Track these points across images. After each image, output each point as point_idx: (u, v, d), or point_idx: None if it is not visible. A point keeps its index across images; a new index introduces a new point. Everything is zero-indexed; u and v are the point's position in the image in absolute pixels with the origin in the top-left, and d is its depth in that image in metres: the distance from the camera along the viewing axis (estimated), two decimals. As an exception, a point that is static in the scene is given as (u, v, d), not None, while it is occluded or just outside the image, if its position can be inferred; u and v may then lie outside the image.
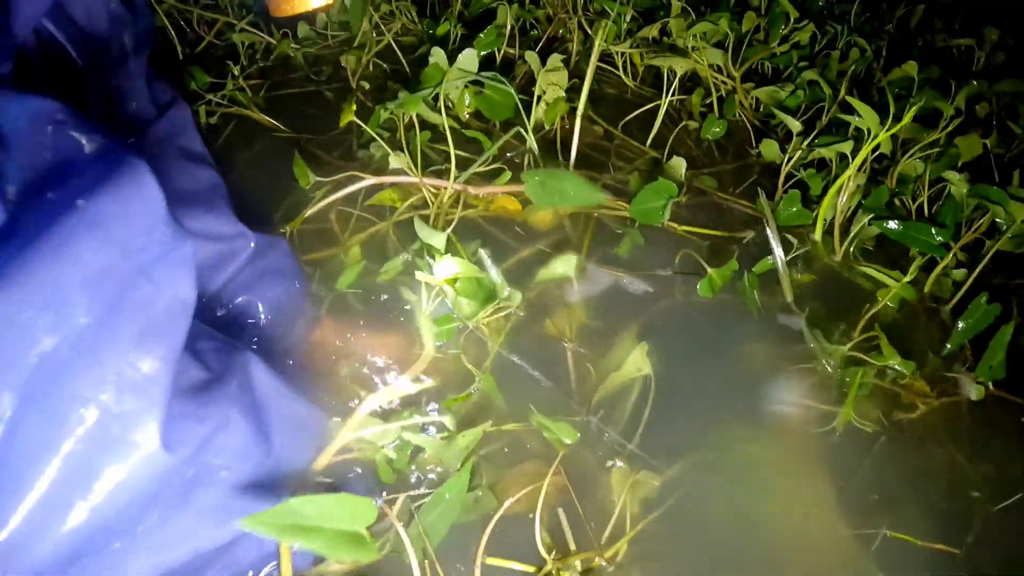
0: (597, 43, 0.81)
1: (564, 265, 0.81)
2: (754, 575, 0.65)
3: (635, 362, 0.72)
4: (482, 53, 1.09)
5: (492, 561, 0.59)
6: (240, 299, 0.70)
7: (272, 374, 0.51)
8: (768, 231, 0.85)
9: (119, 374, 0.35)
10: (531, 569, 0.59)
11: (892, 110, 0.84)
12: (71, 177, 0.34)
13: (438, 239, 0.73)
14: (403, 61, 1.21)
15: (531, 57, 0.98)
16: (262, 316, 0.71)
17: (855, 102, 0.82)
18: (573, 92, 1.13)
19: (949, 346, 0.86)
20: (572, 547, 0.62)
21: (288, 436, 0.50)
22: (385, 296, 0.81)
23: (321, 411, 0.58)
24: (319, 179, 0.94)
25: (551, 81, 0.94)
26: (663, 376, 0.75)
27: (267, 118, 1.11)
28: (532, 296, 0.83)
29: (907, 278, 0.83)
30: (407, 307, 0.79)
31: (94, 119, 0.38)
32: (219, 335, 0.49)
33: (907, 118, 0.81)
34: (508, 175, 0.93)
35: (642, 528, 0.65)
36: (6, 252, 0.30)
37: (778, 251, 0.85)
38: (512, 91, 0.91)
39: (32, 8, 0.43)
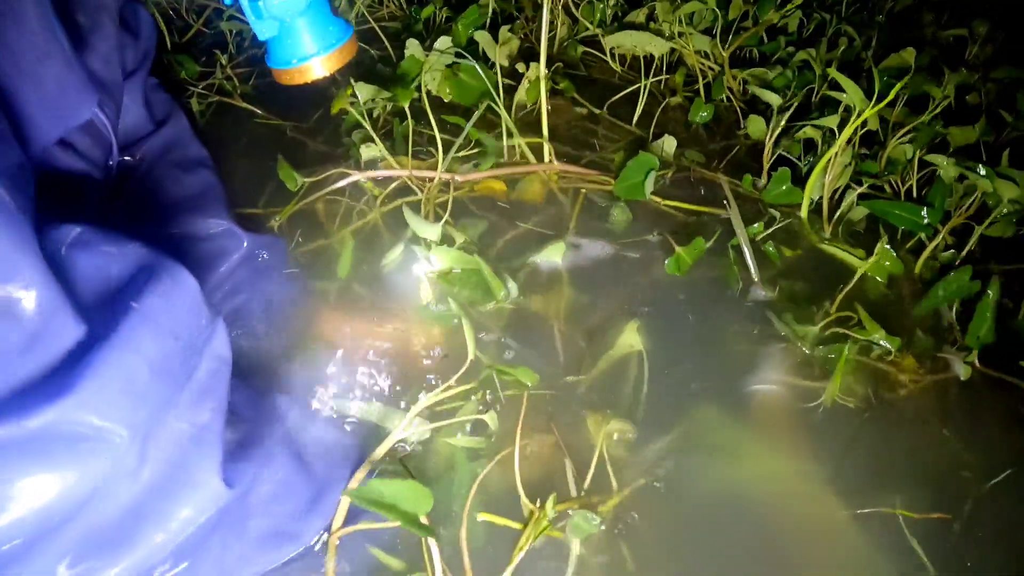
0: (546, 8, 0.81)
1: (553, 252, 0.82)
2: (743, 546, 0.65)
3: (627, 340, 0.72)
4: (468, 33, 1.09)
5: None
6: (238, 298, 0.72)
7: (300, 408, 0.58)
8: (730, 212, 0.85)
9: (181, 432, 0.41)
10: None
11: (878, 87, 0.83)
12: (119, 286, 0.40)
13: (432, 231, 0.75)
14: (389, 47, 1.21)
15: (481, 36, 0.98)
16: (260, 314, 0.73)
17: (840, 77, 0.82)
18: (558, 76, 1.13)
19: (922, 306, 0.86)
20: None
21: (323, 460, 0.55)
22: (381, 285, 0.81)
23: (347, 431, 0.61)
24: (306, 170, 0.94)
25: (506, 54, 0.93)
26: (650, 352, 0.75)
27: (254, 108, 1.11)
28: (525, 275, 0.83)
29: (873, 258, 0.83)
30: (406, 295, 0.79)
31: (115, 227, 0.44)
32: (247, 383, 0.54)
33: (892, 93, 0.80)
34: (492, 160, 0.93)
35: (629, 495, 0.64)
36: (88, 355, 0.36)
37: (742, 234, 0.85)
38: (481, 71, 0.91)
39: (46, 135, 0.48)
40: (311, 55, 0.59)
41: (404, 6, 1.35)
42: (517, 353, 0.75)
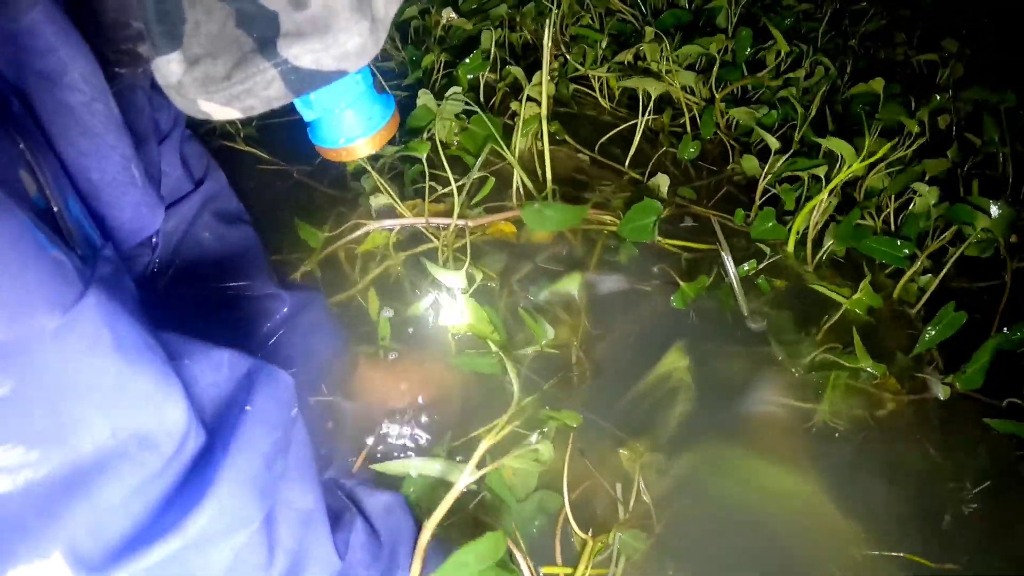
0: (546, 57, 0.89)
1: (570, 283, 0.91)
2: (748, 558, 0.74)
3: (671, 362, 0.84)
4: (468, 78, 1.17)
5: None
6: (279, 357, 0.75)
7: (350, 480, 0.63)
8: (722, 253, 0.95)
9: (294, 519, 0.46)
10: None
11: (868, 142, 0.94)
12: (229, 391, 0.45)
13: (456, 279, 0.79)
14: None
15: (516, 71, 1.06)
16: (301, 372, 0.76)
17: (833, 142, 0.92)
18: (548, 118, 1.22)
19: (918, 348, 0.95)
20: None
21: (383, 523, 0.61)
22: (414, 336, 0.87)
23: (395, 492, 0.66)
24: (318, 216, 1.00)
25: (533, 96, 1.02)
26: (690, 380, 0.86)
27: (258, 151, 1.16)
28: (543, 306, 0.92)
29: (857, 294, 0.93)
30: (438, 345, 0.86)
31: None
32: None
33: (882, 151, 0.91)
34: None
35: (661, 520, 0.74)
36: (214, 459, 0.40)
37: (732, 270, 0.95)
38: (489, 122, 0.99)
39: (122, 249, 0.52)
40: (357, 136, 0.59)
41: (398, 45, 1.43)
42: (548, 390, 0.83)
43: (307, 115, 0.59)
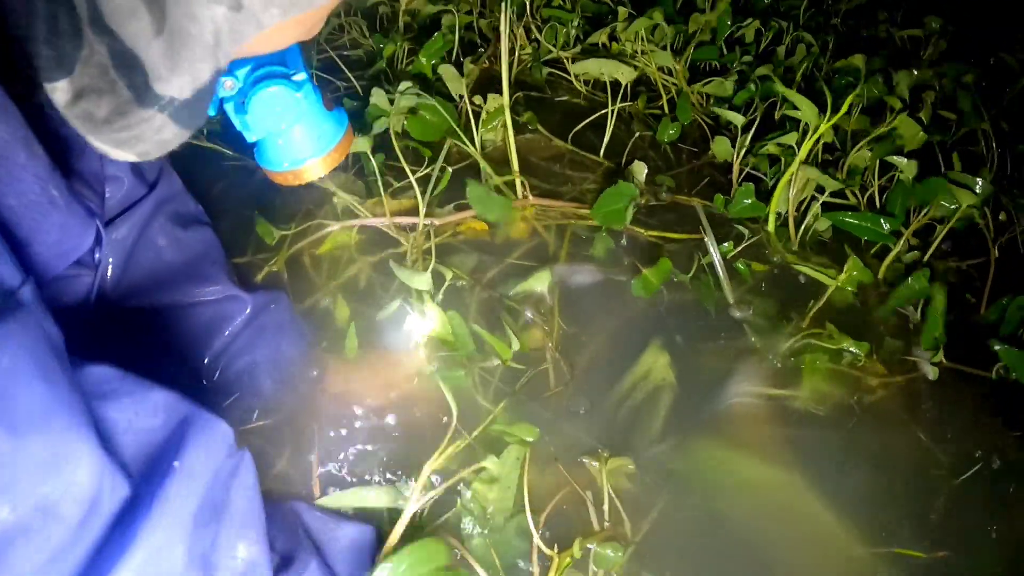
0: (504, 43, 0.85)
1: (539, 282, 0.87)
2: (734, 561, 0.71)
3: (648, 363, 0.80)
4: (432, 64, 1.14)
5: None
6: (242, 360, 0.74)
7: (314, 512, 0.60)
8: (706, 238, 0.91)
9: (234, 569, 0.44)
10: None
11: (830, 102, 0.90)
12: (158, 441, 0.42)
13: (422, 281, 0.76)
14: (353, 80, 1.25)
15: (444, 70, 1.00)
16: (265, 375, 0.75)
17: (793, 95, 0.88)
18: (520, 107, 1.18)
19: (882, 310, 0.93)
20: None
21: (344, 559, 0.59)
22: (379, 347, 0.83)
23: (363, 524, 0.64)
24: (284, 214, 0.96)
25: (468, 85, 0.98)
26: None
27: (222, 147, 1.12)
28: (516, 311, 0.88)
29: (843, 275, 0.90)
30: (404, 356, 0.82)
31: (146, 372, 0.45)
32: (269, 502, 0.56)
33: (844, 107, 0.88)
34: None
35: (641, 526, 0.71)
36: (138, 517, 0.38)
37: (716, 255, 0.91)
38: (448, 106, 0.95)
39: (53, 272, 0.50)
40: (305, 159, 0.56)
41: (365, 33, 1.39)
42: (514, 399, 0.79)
43: (248, 136, 0.55)
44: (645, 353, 0.84)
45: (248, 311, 0.74)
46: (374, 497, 0.66)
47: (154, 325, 0.70)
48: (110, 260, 0.65)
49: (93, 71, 0.32)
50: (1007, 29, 1.88)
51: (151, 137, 0.35)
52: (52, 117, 0.49)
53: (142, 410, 0.42)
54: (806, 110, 0.90)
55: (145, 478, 0.40)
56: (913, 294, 0.94)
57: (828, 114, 0.90)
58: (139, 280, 0.67)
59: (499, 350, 0.79)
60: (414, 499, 0.62)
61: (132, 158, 0.36)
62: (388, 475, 0.72)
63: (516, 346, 0.80)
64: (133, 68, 0.32)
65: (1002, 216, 1.24)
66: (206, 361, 0.73)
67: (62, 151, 0.52)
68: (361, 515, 0.66)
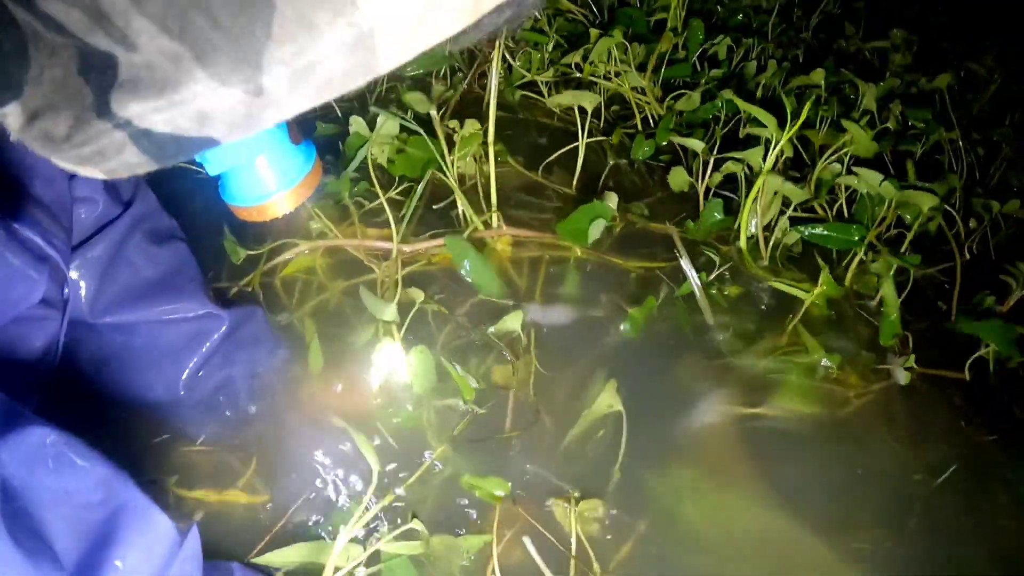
0: (492, 85, 0.87)
1: (512, 321, 0.86)
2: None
3: (605, 400, 0.78)
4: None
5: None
6: (219, 374, 0.75)
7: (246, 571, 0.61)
8: (683, 263, 0.94)
9: None
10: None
11: (789, 114, 0.93)
12: (98, 530, 0.41)
13: (389, 312, 0.77)
14: (334, 104, 1.27)
15: (411, 97, 0.98)
16: (241, 389, 0.76)
17: (754, 109, 0.91)
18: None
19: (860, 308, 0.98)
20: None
21: None
22: (351, 362, 0.84)
23: None
24: (255, 233, 0.96)
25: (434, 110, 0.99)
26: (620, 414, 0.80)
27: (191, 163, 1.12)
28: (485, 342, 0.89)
29: (818, 289, 0.92)
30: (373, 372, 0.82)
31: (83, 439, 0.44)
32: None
33: (802, 117, 0.91)
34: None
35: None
36: None
37: (694, 281, 0.94)
38: (430, 144, 0.97)
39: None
40: (269, 194, 0.53)
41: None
42: (469, 440, 0.79)
43: (208, 169, 0.52)
44: (610, 384, 0.81)
45: (225, 328, 0.75)
46: (296, 554, 0.65)
47: (131, 341, 0.71)
48: (82, 282, 0.66)
49: (44, 89, 0.29)
50: (973, 39, 1.94)
51: (114, 156, 0.31)
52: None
53: (84, 484, 0.41)
54: (767, 122, 0.93)
55: (80, 564, 0.39)
56: (872, 287, 0.97)
57: (788, 126, 0.93)
58: (116, 297, 0.67)
59: (462, 388, 0.79)
60: (331, 562, 0.61)
61: (100, 175, 0.33)
62: (339, 499, 0.73)
63: (475, 384, 0.80)
64: (98, 65, 0.28)
65: (972, 222, 1.28)
66: (184, 376, 0.74)
67: (16, 185, 0.51)
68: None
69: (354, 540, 0.64)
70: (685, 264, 0.93)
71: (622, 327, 0.91)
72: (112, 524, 0.41)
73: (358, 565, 0.64)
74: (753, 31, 1.57)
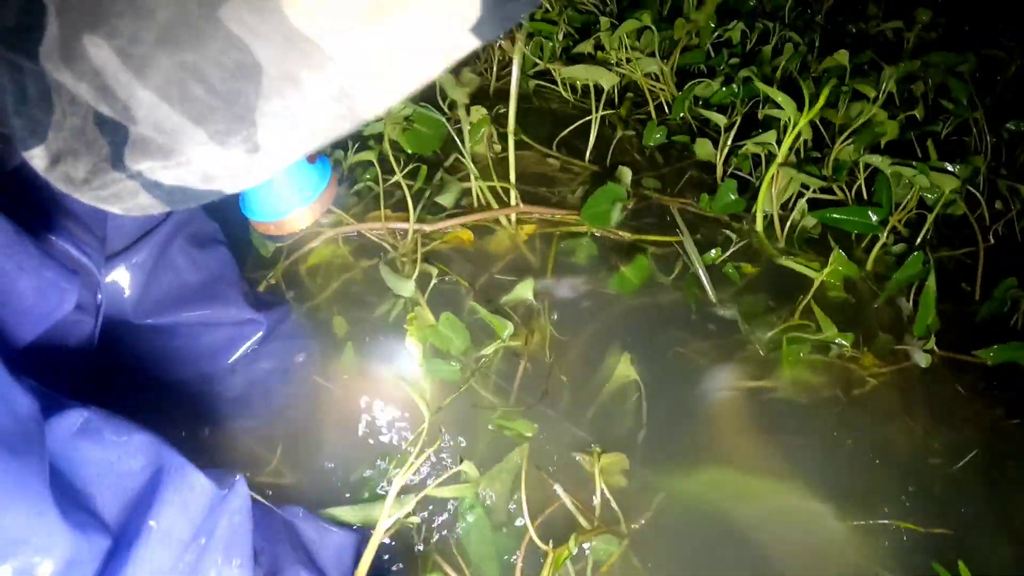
0: (516, 61, 0.89)
1: (524, 289, 0.89)
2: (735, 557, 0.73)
3: (623, 371, 0.81)
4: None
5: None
6: (253, 369, 0.79)
7: (305, 516, 0.62)
8: (683, 239, 0.95)
9: None
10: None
11: (807, 97, 0.93)
12: (134, 492, 0.43)
13: (407, 287, 0.82)
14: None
15: (445, 79, 1.00)
16: (275, 383, 0.79)
17: (772, 91, 0.91)
18: (503, 117, 1.21)
19: (880, 297, 0.97)
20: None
21: (335, 568, 0.61)
22: (380, 339, 0.87)
23: (348, 531, 0.66)
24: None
25: (466, 94, 1.00)
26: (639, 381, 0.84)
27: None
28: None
29: (828, 268, 0.93)
30: (400, 357, 0.85)
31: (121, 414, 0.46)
32: (261, 507, 0.57)
33: (821, 102, 0.91)
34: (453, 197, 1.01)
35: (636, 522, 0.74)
36: (116, 571, 0.39)
37: (694, 256, 0.95)
38: (441, 120, 0.98)
39: (31, 334, 0.50)
40: (288, 210, 0.56)
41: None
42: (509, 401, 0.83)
43: None
44: (625, 356, 0.85)
45: (262, 333, 0.79)
46: (350, 514, 0.68)
47: (171, 342, 0.75)
48: (126, 286, 0.69)
49: (66, 134, 0.32)
50: (994, 26, 1.91)
51: (129, 199, 0.34)
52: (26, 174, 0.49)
53: (124, 453, 0.43)
54: (786, 105, 0.92)
55: (123, 527, 0.41)
56: (908, 279, 0.96)
57: (806, 109, 0.92)
58: (158, 301, 0.71)
59: (496, 327, 0.83)
60: (385, 514, 0.64)
61: (117, 212, 0.36)
62: (386, 460, 0.76)
63: (511, 329, 0.83)
64: (110, 124, 0.31)
65: (998, 204, 1.27)
66: (219, 371, 0.78)
67: (49, 197, 0.54)
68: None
69: (405, 491, 0.68)
70: (685, 241, 0.94)
71: (611, 284, 0.94)
72: (152, 486, 0.43)
73: (411, 513, 0.67)
74: (767, 15, 1.56)
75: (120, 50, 0.27)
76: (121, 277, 0.68)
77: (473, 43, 0.29)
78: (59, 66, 0.28)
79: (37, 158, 0.33)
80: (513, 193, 1.01)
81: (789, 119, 0.94)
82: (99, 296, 0.63)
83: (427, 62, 0.30)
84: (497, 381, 0.83)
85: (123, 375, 0.72)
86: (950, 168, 1.02)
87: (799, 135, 0.94)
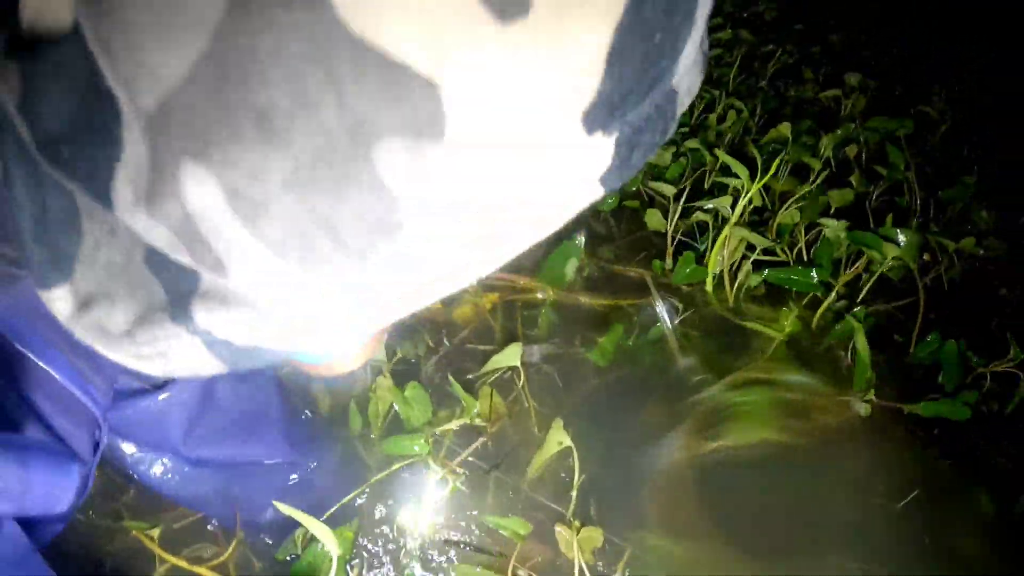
0: None
1: (510, 356, 0.92)
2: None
3: (555, 437, 0.85)
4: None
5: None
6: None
7: None
8: (656, 302, 1.05)
9: None
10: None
11: (759, 165, 1.05)
12: None
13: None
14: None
15: None
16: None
17: (728, 159, 1.03)
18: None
19: (817, 353, 1.08)
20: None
21: None
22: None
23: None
24: None
25: None
26: (587, 443, 0.88)
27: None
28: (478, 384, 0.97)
29: (785, 330, 1.03)
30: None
31: None
32: None
33: (773, 169, 1.02)
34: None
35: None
36: None
37: (664, 317, 1.04)
38: None
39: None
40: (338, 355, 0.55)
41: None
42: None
43: None
44: (550, 432, 0.88)
45: (298, 474, 0.82)
46: None
47: (212, 474, 0.76)
48: (173, 424, 0.69)
49: (100, 272, 0.26)
50: (926, 82, 2.10)
51: (178, 358, 0.27)
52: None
53: None
54: (741, 173, 1.04)
55: None
56: (841, 336, 1.07)
57: (759, 176, 1.04)
58: (203, 437, 0.71)
59: (466, 402, 0.89)
60: None
61: (157, 374, 0.28)
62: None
63: (477, 408, 0.89)
64: (174, 267, 0.24)
65: (926, 256, 1.40)
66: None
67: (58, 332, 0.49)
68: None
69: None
70: (659, 306, 1.04)
71: (590, 356, 1.02)
72: None
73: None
74: (713, 82, 1.71)
75: (232, 190, 0.21)
76: (165, 412, 0.68)
77: (600, 193, 0.26)
78: (139, 203, 0.22)
79: (59, 301, 0.26)
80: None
81: (741, 186, 1.05)
82: (98, 434, 0.56)
83: (559, 215, 0.26)
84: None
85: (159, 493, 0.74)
86: (901, 237, 1.14)
87: (750, 200, 1.05)
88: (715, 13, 2.08)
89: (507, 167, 0.22)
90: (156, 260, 0.24)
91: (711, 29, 1.94)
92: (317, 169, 0.21)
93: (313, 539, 0.76)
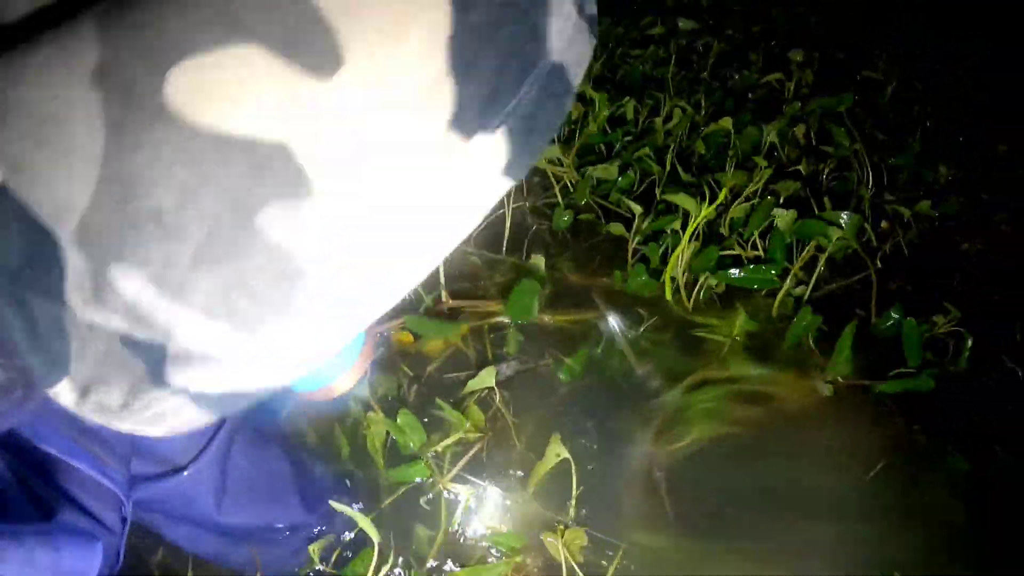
0: None
1: (485, 378, 0.99)
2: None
3: (553, 450, 0.92)
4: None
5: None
6: None
7: None
8: (609, 318, 1.11)
9: None
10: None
11: (707, 192, 1.11)
12: None
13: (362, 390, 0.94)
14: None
15: None
16: None
17: (673, 196, 1.08)
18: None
19: (785, 346, 1.13)
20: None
21: None
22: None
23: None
24: None
25: None
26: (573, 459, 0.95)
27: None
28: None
29: (736, 330, 1.09)
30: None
31: None
32: None
33: (721, 197, 1.08)
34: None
35: None
36: None
37: (616, 330, 1.11)
38: None
39: None
40: (333, 377, 0.59)
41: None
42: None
43: None
44: (558, 436, 0.94)
45: (314, 531, 0.87)
46: None
47: (235, 540, 0.81)
48: (201, 494, 0.74)
49: (90, 362, 0.30)
50: (866, 47, 2.15)
51: (174, 417, 0.32)
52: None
53: None
54: (688, 205, 1.10)
55: None
56: (802, 330, 1.12)
57: (706, 203, 1.09)
58: (229, 507, 0.76)
59: (457, 422, 0.96)
60: None
61: (161, 434, 0.34)
62: None
63: (467, 424, 0.96)
64: (144, 342, 0.29)
65: (884, 225, 1.46)
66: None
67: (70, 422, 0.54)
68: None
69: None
70: (612, 320, 1.10)
71: (560, 375, 1.08)
72: None
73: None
74: (656, 81, 1.76)
75: (154, 277, 0.26)
76: (191, 488, 0.71)
77: (507, 185, 0.30)
78: (88, 302, 0.27)
79: (64, 393, 0.31)
80: (444, 293, 1.16)
81: (692, 211, 1.11)
82: (124, 510, 0.62)
83: (470, 218, 0.30)
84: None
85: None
86: (844, 218, 1.19)
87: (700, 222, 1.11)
88: (649, 7, 2.12)
89: (389, 194, 0.26)
90: (128, 341, 0.29)
91: (642, 27, 1.99)
92: (214, 246, 0.26)
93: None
